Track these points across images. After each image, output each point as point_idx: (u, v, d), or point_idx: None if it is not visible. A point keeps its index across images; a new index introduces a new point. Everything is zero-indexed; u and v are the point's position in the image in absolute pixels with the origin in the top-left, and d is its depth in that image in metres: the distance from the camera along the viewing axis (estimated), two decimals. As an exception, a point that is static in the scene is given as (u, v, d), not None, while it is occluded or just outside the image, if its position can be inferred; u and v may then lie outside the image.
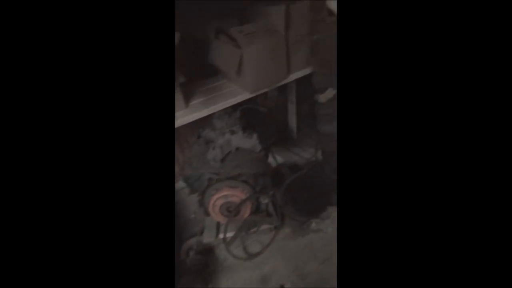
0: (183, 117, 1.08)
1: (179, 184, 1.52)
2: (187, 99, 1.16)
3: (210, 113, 1.13)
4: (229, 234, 1.29)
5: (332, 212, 1.49)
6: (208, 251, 1.28)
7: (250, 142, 1.18)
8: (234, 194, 1.21)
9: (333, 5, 1.12)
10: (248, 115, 1.28)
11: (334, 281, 1.12)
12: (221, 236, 1.28)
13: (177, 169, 1.59)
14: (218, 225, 1.33)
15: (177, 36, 0.94)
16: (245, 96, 1.20)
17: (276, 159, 1.70)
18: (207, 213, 1.28)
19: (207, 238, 1.30)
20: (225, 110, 1.20)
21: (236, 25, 1.30)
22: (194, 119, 1.09)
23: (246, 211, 1.29)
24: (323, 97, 1.26)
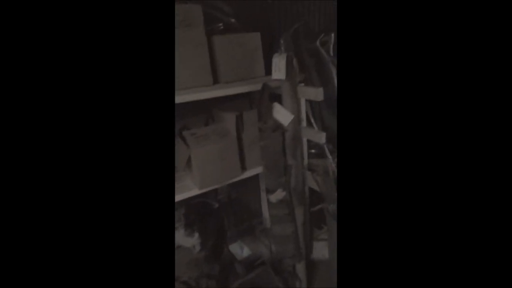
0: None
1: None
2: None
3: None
4: None
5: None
6: None
7: (191, 241, 1.16)
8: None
9: (279, 115, 1.22)
10: (196, 211, 1.29)
11: None
12: None
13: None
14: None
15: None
16: (194, 192, 1.24)
17: (239, 252, 1.63)
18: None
19: None
20: (171, 205, 1.22)
21: (202, 124, 1.43)
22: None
23: (183, 317, 1.18)
24: (273, 198, 1.26)
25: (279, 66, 1.16)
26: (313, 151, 1.45)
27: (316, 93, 1.18)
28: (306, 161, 1.39)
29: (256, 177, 1.83)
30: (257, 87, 1.23)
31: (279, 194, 1.25)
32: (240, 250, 1.72)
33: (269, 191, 1.27)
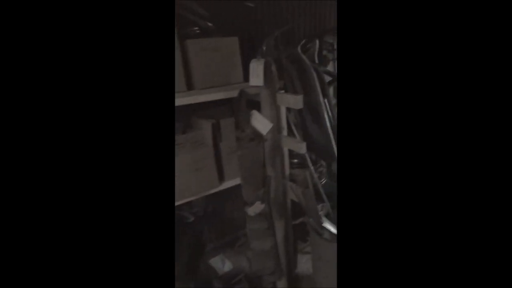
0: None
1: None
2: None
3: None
4: None
5: None
6: None
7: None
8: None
9: (258, 124, 1.16)
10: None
11: None
12: None
13: None
14: None
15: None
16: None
17: (220, 266, 1.55)
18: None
19: None
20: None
21: (180, 131, 1.36)
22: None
23: None
24: (251, 211, 1.19)
25: (257, 72, 1.10)
26: (295, 161, 1.39)
27: (296, 101, 1.12)
28: (287, 171, 1.32)
29: (239, 187, 1.77)
30: (234, 93, 1.17)
31: (258, 207, 1.18)
32: (222, 264, 1.64)
33: (247, 204, 1.20)
